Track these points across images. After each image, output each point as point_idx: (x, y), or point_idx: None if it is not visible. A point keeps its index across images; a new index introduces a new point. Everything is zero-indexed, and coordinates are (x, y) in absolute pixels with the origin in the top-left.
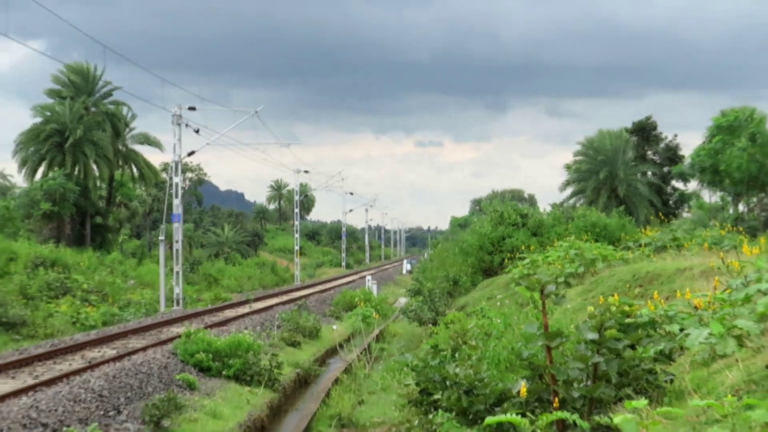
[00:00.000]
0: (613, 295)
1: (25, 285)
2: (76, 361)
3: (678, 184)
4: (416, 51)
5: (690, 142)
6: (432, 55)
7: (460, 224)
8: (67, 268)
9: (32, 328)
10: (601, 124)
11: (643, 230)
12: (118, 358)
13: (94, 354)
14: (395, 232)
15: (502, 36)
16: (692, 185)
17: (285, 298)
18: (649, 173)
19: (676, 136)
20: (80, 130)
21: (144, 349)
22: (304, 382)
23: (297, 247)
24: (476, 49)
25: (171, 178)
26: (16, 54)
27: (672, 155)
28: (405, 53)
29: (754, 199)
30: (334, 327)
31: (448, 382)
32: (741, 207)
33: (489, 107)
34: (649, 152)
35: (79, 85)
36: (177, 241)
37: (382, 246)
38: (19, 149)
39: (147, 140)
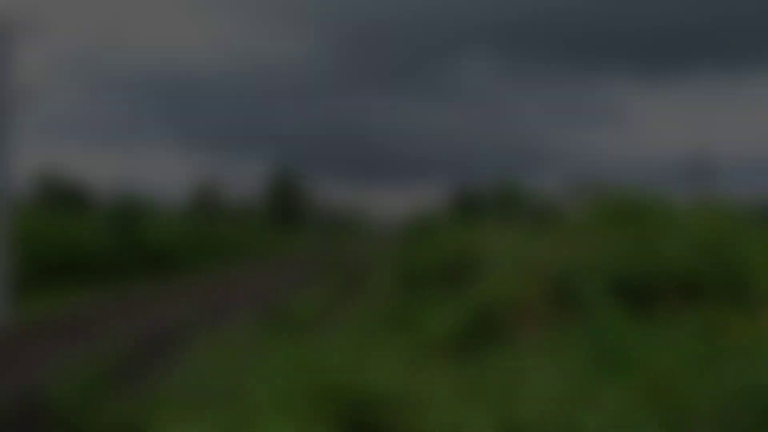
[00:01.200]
0: None
1: (258, 237)
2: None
3: None
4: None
5: None
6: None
7: None
8: (268, 237)
9: (261, 255)
10: None
11: None
12: (292, 263)
13: (285, 262)
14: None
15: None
16: None
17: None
18: None
19: None
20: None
21: (302, 261)
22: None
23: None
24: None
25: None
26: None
27: None
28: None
29: None
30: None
31: (415, 268)
32: None
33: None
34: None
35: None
36: (312, 227)
37: None
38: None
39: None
